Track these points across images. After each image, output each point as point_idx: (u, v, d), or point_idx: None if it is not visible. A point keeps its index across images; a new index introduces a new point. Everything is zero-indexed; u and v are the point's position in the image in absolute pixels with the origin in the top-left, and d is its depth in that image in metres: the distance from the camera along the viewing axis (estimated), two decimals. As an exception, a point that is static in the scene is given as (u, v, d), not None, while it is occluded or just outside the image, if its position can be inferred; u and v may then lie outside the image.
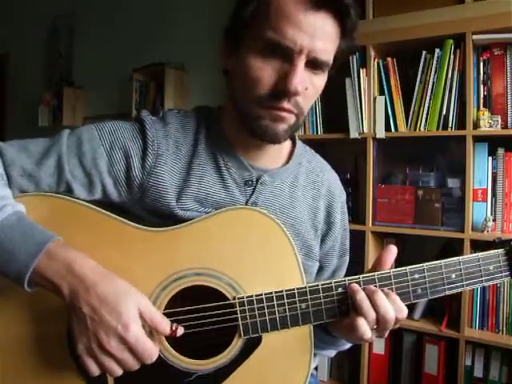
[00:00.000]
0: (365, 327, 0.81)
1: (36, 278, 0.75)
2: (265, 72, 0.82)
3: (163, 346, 0.83)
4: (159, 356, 0.79)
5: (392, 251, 0.88)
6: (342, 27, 0.83)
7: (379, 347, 2.27)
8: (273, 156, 0.97)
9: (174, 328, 0.78)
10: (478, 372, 2.04)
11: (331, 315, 0.86)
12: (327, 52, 0.83)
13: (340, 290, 0.85)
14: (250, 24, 0.83)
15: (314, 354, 0.90)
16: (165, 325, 0.77)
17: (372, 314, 0.81)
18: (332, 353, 1.10)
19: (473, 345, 2.04)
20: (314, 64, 0.83)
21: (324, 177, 1.06)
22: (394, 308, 0.82)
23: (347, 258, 1.13)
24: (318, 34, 0.80)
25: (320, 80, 0.87)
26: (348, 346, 1.06)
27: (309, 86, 0.85)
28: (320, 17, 0.80)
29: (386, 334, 0.85)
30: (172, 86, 3.10)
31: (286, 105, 0.84)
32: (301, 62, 0.81)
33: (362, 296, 0.83)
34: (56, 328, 0.82)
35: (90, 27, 3.72)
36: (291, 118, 0.87)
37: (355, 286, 0.84)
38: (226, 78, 0.94)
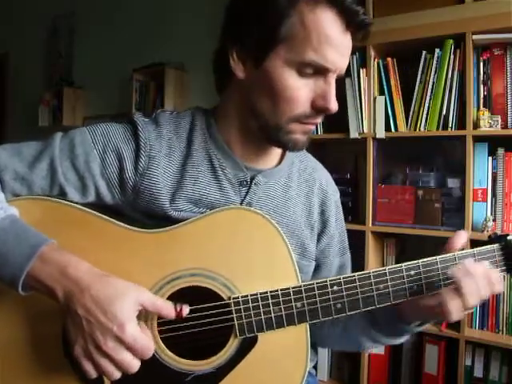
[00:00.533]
0: (458, 304, 0.82)
1: (30, 281, 0.75)
2: (302, 91, 0.84)
3: (159, 347, 0.83)
4: (155, 357, 0.79)
5: (462, 235, 0.91)
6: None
7: (379, 347, 2.26)
8: (267, 156, 0.98)
9: (178, 309, 0.78)
10: (478, 372, 2.03)
11: (327, 314, 0.85)
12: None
13: (335, 287, 0.85)
14: (285, 41, 0.82)
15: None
16: (169, 308, 0.78)
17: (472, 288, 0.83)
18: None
19: (473, 345, 2.03)
20: (338, 78, 0.87)
21: (316, 175, 1.06)
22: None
23: (349, 256, 1.13)
24: (346, 53, 0.85)
25: None
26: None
27: None
28: (349, 36, 0.84)
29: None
30: (172, 86, 3.11)
31: (319, 120, 0.88)
32: (334, 80, 0.85)
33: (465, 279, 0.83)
34: (51, 329, 0.81)
35: (90, 27, 3.72)
36: (316, 124, 0.91)
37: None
38: (224, 79, 0.94)
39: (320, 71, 0.83)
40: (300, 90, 0.83)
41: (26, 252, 0.75)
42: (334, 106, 0.85)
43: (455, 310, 0.82)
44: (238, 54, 0.87)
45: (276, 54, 0.83)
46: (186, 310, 0.80)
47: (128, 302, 0.74)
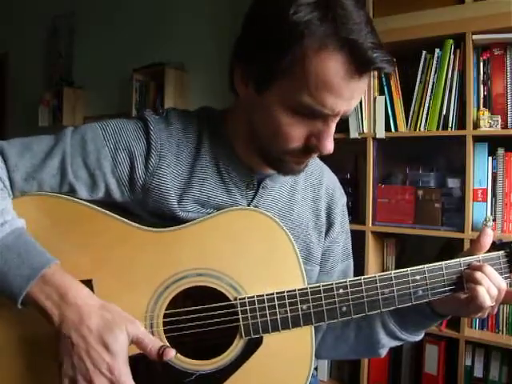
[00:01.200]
0: (485, 295, 0.86)
1: (29, 300, 0.74)
2: (296, 129, 0.80)
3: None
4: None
5: (489, 234, 0.91)
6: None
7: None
8: None
9: (160, 352, 0.75)
10: (478, 372, 2.04)
11: (332, 316, 0.86)
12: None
13: (341, 290, 0.86)
14: (285, 76, 0.76)
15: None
16: (153, 348, 0.75)
17: (489, 282, 0.87)
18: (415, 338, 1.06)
19: (473, 345, 2.04)
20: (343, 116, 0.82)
21: (323, 179, 1.06)
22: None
23: (351, 262, 1.12)
24: (355, 96, 0.78)
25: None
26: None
27: None
28: (360, 80, 0.76)
29: (495, 310, 0.92)
30: (172, 86, 3.11)
31: (314, 156, 0.86)
32: (334, 124, 0.81)
33: (480, 275, 0.87)
34: (48, 331, 0.80)
35: (90, 27, 3.72)
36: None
37: (470, 266, 0.90)
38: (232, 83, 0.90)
39: (318, 115, 0.78)
40: (293, 128, 0.80)
41: (26, 273, 0.73)
42: (328, 148, 0.81)
43: (486, 299, 0.86)
44: (242, 74, 0.83)
45: (276, 87, 0.78)
46: (170, 353, 0.75)
47: (123, 333, 0.73)
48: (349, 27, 0.72)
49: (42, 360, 0.81)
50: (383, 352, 1.05)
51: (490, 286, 0.87)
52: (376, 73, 2.18)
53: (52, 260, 0.76)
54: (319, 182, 1.05)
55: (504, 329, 2.01)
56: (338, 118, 0.80)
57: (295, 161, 0.86)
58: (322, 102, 0.76)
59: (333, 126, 0.81)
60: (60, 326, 0.73)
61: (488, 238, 0.91)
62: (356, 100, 0.79)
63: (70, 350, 0.72)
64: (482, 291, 0.86)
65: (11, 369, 0.81)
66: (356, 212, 2.37)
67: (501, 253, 0.92)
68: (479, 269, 0.88)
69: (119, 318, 0.74)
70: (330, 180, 1.08)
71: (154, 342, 0.76)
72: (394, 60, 0.79)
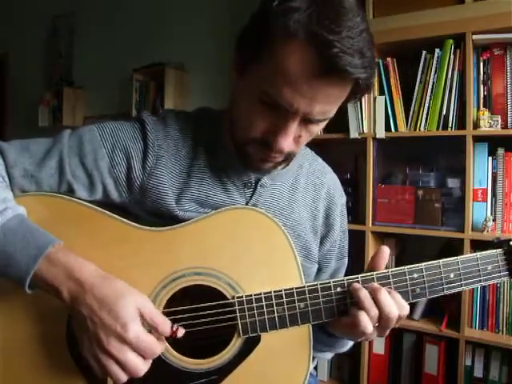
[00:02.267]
0: (366, 322, 0.81)
1: (36, 281, 0.75)
2: (257, 118, 0.81)
3: (163, 345, 0.83)
4: (159, 355, 0.79)
5: (384, 253, 0.88)
6: (352, 87, 0.79)
7: (379, 347, 2.27)
8: None
9: (174, 329, 0.77)
10: (478, 372, 2.04)
11: (330, 314, 0.86)
12: (326, 112, 0.80)
13: (339, 289, 0.85)
14: (258, 62, 0.77)
15: (313, 357, 0.90)
16: (165, 325, 0.77)
17: (375, 311, 0.81)
18: (328, 355, 1.10)
19: (473, 345, 2.04)
20: (310, 120, 0.80)
21: (324, 179, 1.06)
22: (396, 306, 0.82)
23: (346, 261, 1.12)
24: (319, 98, 0.75)
25: (318, 127, 0.84)
26: (346, 349, 1.06)
27: (303, 134, 0.83)
28: (325, 82, 0.74)
29: (387, 333, 0.85)
30: (172, 86, 3.11)
31: (272, 154, 0.84)
32: (294, 123, 0.79)
33: (364, 293, 0.82)
34: (56, 328, 0.82)
35: (90, 27, 3.72)
36: (278, 159, 0.87)
37: (357, 285, 0.84)
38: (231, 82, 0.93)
39: (278, 108, 0.77)
40: (256, 116, 0.80)
41: (32, 253, 0.75)
42: (280, 145, 0.79)
43: (365, 321, 0.81)
44: (233, 60, 0.86)
45: (252, 72, 0.80)
46: (181, 331, 0.78)
47: (132, 302, 0.74)
48: (325, 24, 0.70)
49: (47, 356, 0.82)
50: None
51: (370, 309, 0.81)
52: (376, 73, 2.19)
53: (56, 240, 0.78)
54: (321, 181, 1.05)
55: (504, 329, 2.00)
56: (297, 118, 0.78)
57: (256, 156, 0.86)
58: (280, 94, 0.75)
59: (292, 125, 0.79)
60: (69, 302, 0.74)
61: (381, 259, 0.87)
62: (321, 104, 0.76)
63: (82, 324, 0.73)
64: (363, 317, 0.81)
65: (18, 366, 0.82)
66: (356, 212, 2.37)
67: (499, 251, 0.92)
68: (372, 292, 0.82)
69: (127, 288, 0.76)
70: (331, 181, 1.08)
71: (166, 319, 0.78)
72: (375, 72, 0.79)
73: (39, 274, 0.74)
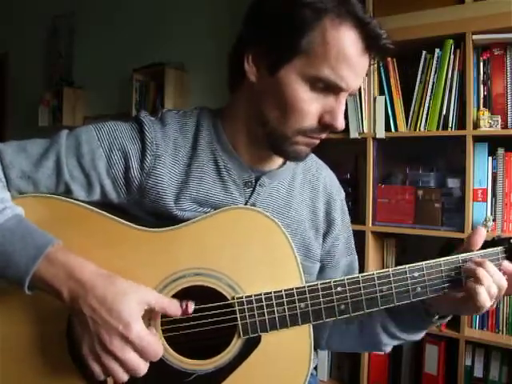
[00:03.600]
0: (485, 294, 0.84)
1: (36, 281, 0.75)
2: (312, 106, 0.84)
3: (163, 346, 0.83)
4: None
5: (481, 231, 0.91)
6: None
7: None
8: (272, 157, 0.97)
9: (183, 307, 0.79)
10: (478, 372, 2.04)
11: (331, 314, 0.85)
12: None
13: (339, 288, 0.85)
14: (303, 53, 0.81)
15: (314, 357, 0.90)
16: (175, 306, 0.78)
17: (490, 281, 0.85)
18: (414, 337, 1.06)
19: (473, 345, 2.04)
20: (350, 94, 0.86)
21: (320, 175, 1.06)
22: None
23: (355, 256, 1.13)
24: (362, 74, 0.85)
25: None
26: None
27: None
28: (367, 58, 0.84)
29: (494, 306, 0.90)
30: (172, 85, 3.11)
31: (324, 135, 0.88)
32: (344, 99, 0.85)
33: (479, 269, 0.86)
34: (55, 327, 0.82)
35: (90, 27, 3.72)
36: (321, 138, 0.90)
37: (471, 261, 0.88)
38: (237, 79, 0.92)
39: (333, 88, 0.82)
40: (310, 104, 0.83)
41: (31, 253, 0.75)
42: (340, 124, 0.85)
43: (484, 297, 0.84)
44: (254, 57, 0.86)
45: (292, 65, 0.82)
46: (191, 306, 0.80)
47: (134, 301, 0.74)
48: (359, 8, 0.80)
49: (47, 357, 0.82)
50: (387, 349, 1.07)
51: (490, 286, 0.85)
52: (376, 72, 2.19)
53: (55, 239, 0.77)
54: (317, 178, 1.05)
55: (504, 329, 2.01)
56: (346, 96, 0.85)
57: (306, 142, 0.88)
58: (341, 75, 0.81)
59: (344, 103, 0.85)
60: (70, 302, 0.74)
61: (479, 237, 0.91)
62: (361, 79, 0.85)
63: (85, 325, 0.73)
64: (482, 292, 0.84)
65: (17, 366, 0.82)
66: (356, 212, 2.37)
67: (499, 249, 0.92)
68: (480, 265, 0.87)
69: (128, 285, 0.76)
70: (327, 176, 1.08)
71: (173, 300, 0.80)
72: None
73: (38, 274, 0.74)
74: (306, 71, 0.81)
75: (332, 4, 0.79)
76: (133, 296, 0.74)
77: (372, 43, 0.82)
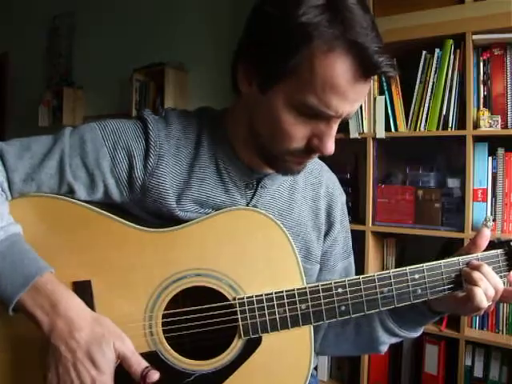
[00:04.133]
0: (482, 296, 0.86)
1: (20, 307, 0.75)
2: (299, 130, 0.80)
3: (163, 346, 0.83)
4: (159, 356, 0.79)
5: (485, 235, 0.91)
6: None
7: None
8: None
9: (144, 373, 0.75)
10: (478, 372, 2.04)
11: (331, 315, 0.86)
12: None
13: (340, 290, 0.85)
14: (291, 76, 0.76)
15: (315, 356, 0.90)
16: (138, 368, 0.76)
17: (487, 283, 0.87)
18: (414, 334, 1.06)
19: (473, 345, 2.04)
20: (345, 118, 0.82)
21: (322, 178, 1.06)
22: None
23: (352, 259, 1.13)
24: (359, 98, 0.79)
25: None
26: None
27: None
28: (363, 83, 0.77)
29: (492, 308, 0.92)
30: (172, 85, 3.11)
31: (312, 156, 0.86)
32: (336, 125, 0.81)
33: (477, 274, 0.87)
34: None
35: (90, 27, 3.72)
36: (314, 158, 0.89)
37: (467, 269, 0.89)
38: (236, 84, 0.89)
39: (321, 115, 0.78)
40: (296, 128, 0.80)
41: (19, 281, 0.74)
42: (328, 149, 0.81)
43: (480, 299, 0.85)
44: (246, 71, 0.83)
45: (281, 87, 0.78)
46: (154, 376, 0.76)
47: (111, 351, 0.74)
48: (356, 30, 0.72)
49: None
50: (383, 348, 1.06)
51: (487, 288, 0.86)
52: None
53: (45, 268, 0.77)
54: (319, 180, 1.05)
55: (504, 329, 2.01)
56: (340, 120, 0.80)
57: (295, 161, 0.86)
58: (327, 104, 0.75)
59: (335, 128, 0.81)
60: (49, 335, 0.74)
61: (484, 239, 0.91)
62: (359, 102, 0.80)
63: (57, 361, 0.73)
64: (479, 293, 0.85)
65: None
66: (356, 212, 2.37)
67: (499, 251, 0.92)
68: (477, 268, 0.88)
69: (109, 333, 0.75)
70: (329, 179, 1.08)
71: (140, 362, 0.76)
72: (395, 62, 0.79)
73: (22, 302, 0.74)
74: (294, 95, 0.77)
75: (326, 25, 0.72)
76: (110, 344, 0.74)
77: (370, 71, 0.75)
